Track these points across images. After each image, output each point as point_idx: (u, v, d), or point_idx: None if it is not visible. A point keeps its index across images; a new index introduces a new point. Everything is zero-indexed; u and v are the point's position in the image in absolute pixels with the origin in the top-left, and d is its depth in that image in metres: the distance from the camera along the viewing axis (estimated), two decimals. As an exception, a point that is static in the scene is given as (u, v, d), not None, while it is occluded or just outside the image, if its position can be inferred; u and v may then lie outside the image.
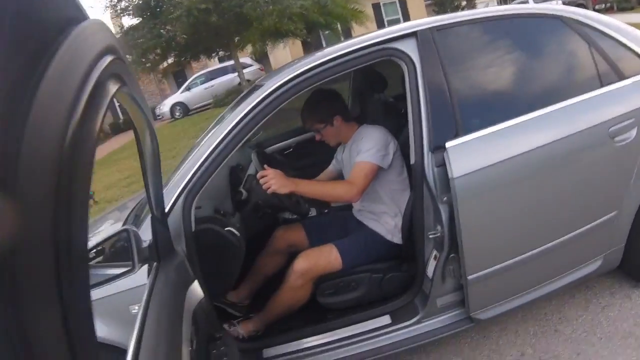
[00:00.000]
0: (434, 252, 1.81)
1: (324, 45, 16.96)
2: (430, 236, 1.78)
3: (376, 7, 20.09)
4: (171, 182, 1.85)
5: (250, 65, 18.70)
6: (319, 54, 1.90)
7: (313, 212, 2.64)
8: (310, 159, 3.61)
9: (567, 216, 1.83)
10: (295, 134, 3.81)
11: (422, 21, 1.88)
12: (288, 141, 3.71)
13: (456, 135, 1.71)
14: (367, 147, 2.00)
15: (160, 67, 11.78)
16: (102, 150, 17.50)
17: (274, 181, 1.92)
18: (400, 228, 2.05)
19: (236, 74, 16.28)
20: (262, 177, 1.95)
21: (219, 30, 10.00)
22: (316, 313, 2.08)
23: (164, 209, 1.57)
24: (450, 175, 1.61)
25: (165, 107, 19.62)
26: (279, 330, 2.09)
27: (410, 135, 1.80)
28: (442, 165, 1.66)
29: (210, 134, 1.91)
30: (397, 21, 20.12)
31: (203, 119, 12.00)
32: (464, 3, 21.09)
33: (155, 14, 9.55)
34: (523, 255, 1.77)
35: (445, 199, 1.67)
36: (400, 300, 1.96)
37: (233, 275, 2.01)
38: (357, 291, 2.04)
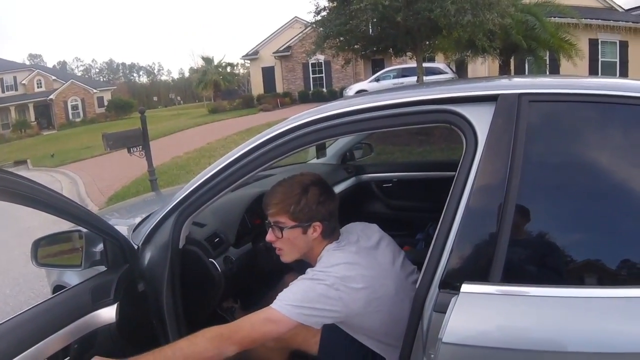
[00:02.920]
0: None
1: (526, 72, 15.53)
2: None
3: (593, 44, 17.29)
4: (176, 194, 1.72)
5: (445, 72, 18.32)
6: (356, 100, 1.46)
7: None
8: (408, 202, 3.23)
9: None
10: (401, 168, 3.43)
11: (510, 82, 1.30)
12: (390, 174, 3.35)
13: (485, 278, 1.12)
14: (291, 290, 1.43)
15: (353, 54, 11.91)
16: (277, 115, 18.80)
17: None
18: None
19: (435, 76, 15.99)
20: None
21: (409, 30, 9.68)
22: None
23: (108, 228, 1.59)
24: (440, 334, 1.07)
25: (351, 91, 20.38)
26: None
27: (430, 247, 1.26)
28: (442, 312, 1.12)
29: (228, 154, 1.66)
30: (612, 65, 17.24)
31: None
32: None
33: (346, 1, 9.57)
34: None
35: (432, 356, 1.14)
36: None
37: (206, 306, 1.90)
38: None
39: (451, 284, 1.14)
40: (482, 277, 1.13)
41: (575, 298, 1.07)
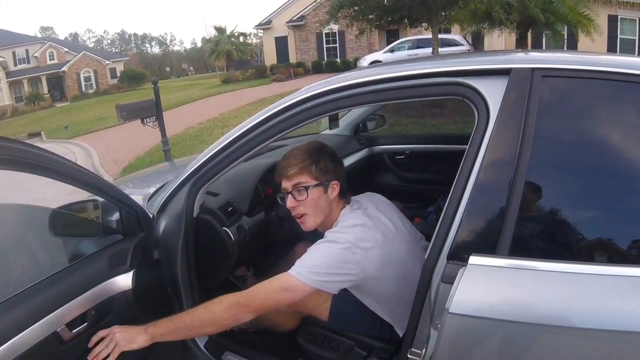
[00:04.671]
0: None
1: (543, 47, 15.14)
2: (409, 355, 1.30)
3: (612, 20, 16.55)
4: (190, 164, 1.76)
5: (461, 44, 18.05)
6: (370, 70, 1.46)
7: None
8: (420, 174, 3.23)
9: None
10: (414, 140, 3.42)
11: (524, 56, 1.29)
12: (403, 146, 3.35)
13: (492, 250, 1.13)
14: (309, 257, 1.45)
15: (367, 24, 11.73)
16: (290, 85, 18.68)
17: (118, 336, 1.43)
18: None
19: (451, 48, 15.74)
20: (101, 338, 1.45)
21: (424, 0, 9.48)
22: (292, 349, 1.85)
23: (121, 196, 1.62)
24: (447, 304, 1.09)
25: (364, 62, 20.16)
26: (252, 343, 1.93)
27: (440, 219, 1.28)
28: (450, 283, 1.14)
29: (241, 124, 1.68)
30: (631, 43, 16.66)
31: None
32: None
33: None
34: None
35: (439, 325, 1.16)
36: None
37: (219, 274, 1.93)
38: (334, 354, 1.73)
39: (459, 256, 1.16)
40: (490, 250, 1.14)
41: (582, 274, 1.07)
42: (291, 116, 1.52)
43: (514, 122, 1.18)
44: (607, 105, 1.22)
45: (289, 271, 1.44)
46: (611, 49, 16.34)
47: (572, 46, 13.95)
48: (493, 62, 1.33)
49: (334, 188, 1.59)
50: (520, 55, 1.43)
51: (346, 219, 1.55)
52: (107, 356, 1.41)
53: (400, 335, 1.61)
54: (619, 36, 16.87)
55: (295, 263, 1.46)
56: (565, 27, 12.23)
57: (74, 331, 1.37)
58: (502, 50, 7.39)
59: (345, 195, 1.65)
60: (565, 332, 1.04)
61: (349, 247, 1.44)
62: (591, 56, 1.35)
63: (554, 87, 1.22)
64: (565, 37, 13.33)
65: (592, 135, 1.22)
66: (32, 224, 2.14)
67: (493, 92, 1.24)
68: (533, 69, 1.22)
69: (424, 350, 1.21)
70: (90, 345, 1.42)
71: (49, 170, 1.27)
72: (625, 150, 1.18)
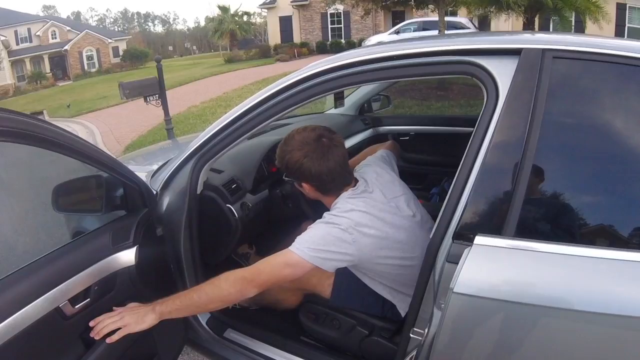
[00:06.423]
0: (413, 353, 1.32)
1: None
2: (412, 335, 1.29)
3: (621, 8, 16.14)
4: (194, 141, 1.74)
5: (467, 28, 17.93)
6: (377, 48, 1.44)
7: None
8: (424, 156, 3.22)
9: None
10: (419, 122, 3.40)
11: (535, 37, 1.25)
12: (408, 127, 3.33)
13: (498, 231, 1.12)
14: (308, 234, 1.46)
15: (373, 5, 11.54)
16: (294, 65, 18.54)
17: (127, 318, 1.45)
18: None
19: (457, 31, 15.61)
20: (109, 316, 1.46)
21: (432, -19, 9.38)
22: (294, 327, 1.87)
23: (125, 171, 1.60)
24: (451, 284, 1.09)
25: (370, 42, 19.89)
26: (254, 320, 1.95)
27: (446, 199, 1.26)
28: (455, 262, 1.13)
29: (245, 101, 1.66)
30: (638, 32, 16.39)
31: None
32: None
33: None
34: None
35: (442, 305, 1.16)
36: None
37: (222, 251, 1.93)
38: (336, 332, 1.75)
39: (465, 236, 1.15)
40: (496, 230, 1.13)
41: (588, 258, 1.06)
42: (296, 93, 1.49)
43: (523, 102, 1.16)
44: (618, 89, 1.19)
45: (290, 247, 1.45)
46: (619, 37, 16.05)
47: (580, 33, 13.80)
48: (503, 42, 1.31)
49: (305, 188, 1.61)
50: (531, 35, 1.39)
51: (344, 203, 1.53)
52: (110, 333, 1.41)
53: (403, 314, 1.61)
54: (627, 25, 16.56)
55: (295, 240, 1.46)
56: (573, 13, 12.04)
57: (76, 307, 1.36)
58: (513, 30, 7.29)
59: (337, 187, 1.60)
60: (568, 315, 1.03)
61: (345, 228, 1.45)
62: (603, 39, 1.32)
63: (565, 69, 1.20)
64: (573, 23, 13.13)
65: (602, 119, 1.20)
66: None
67: (503, 72, 1.22)
68: (544, 50, 1.19)
69: (426, 330, 1.21)
70: (92, 324, 1.41)
71: (53, 143, 1.25)
72: (635, 135, 1.16)
